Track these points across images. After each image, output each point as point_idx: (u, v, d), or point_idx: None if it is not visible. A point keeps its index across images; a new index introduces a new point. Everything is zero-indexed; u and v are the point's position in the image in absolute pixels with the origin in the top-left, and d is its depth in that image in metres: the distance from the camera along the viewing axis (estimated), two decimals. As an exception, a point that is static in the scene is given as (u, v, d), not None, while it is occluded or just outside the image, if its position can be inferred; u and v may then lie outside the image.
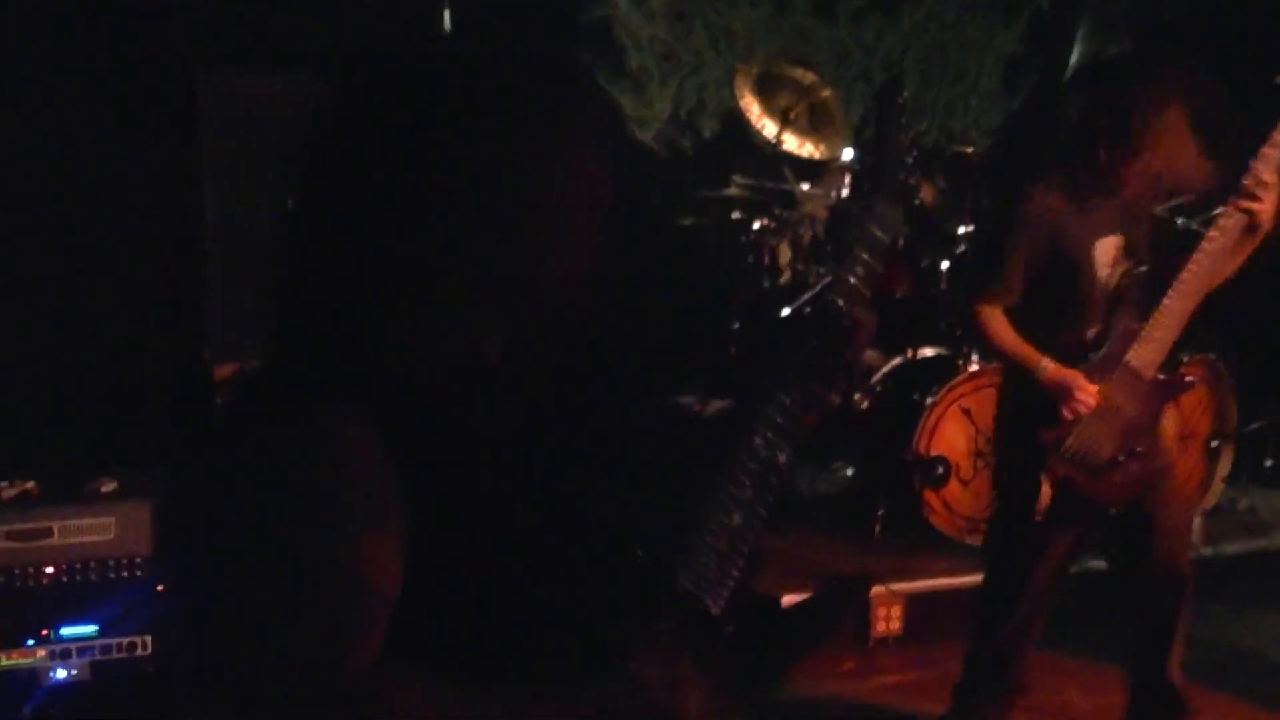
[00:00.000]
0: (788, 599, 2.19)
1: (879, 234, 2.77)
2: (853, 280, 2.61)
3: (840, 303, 2.21)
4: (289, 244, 1.58)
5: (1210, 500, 5.91)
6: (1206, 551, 5.61)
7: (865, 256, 2.69)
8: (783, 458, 2.40)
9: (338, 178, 1.55)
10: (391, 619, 1.50)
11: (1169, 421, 5.00)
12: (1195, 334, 5.45)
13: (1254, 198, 3.54)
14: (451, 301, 1.53)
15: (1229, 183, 3.57)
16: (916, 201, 5.98)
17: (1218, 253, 3.59)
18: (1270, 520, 6.14)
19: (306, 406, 1.51)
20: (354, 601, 1.49)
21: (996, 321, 3.76)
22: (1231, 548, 5.78)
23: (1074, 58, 6.83)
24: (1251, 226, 3.59)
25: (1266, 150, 3.55)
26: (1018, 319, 3.76)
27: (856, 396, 5.61)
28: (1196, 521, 5.79)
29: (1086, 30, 6.89)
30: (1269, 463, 6.40)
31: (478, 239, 1.52)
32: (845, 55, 7.37)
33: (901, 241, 5.61)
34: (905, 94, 2.88)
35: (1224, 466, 5.94)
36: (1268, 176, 3.55)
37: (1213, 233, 3.60)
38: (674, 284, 6.22)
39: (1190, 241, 3.65)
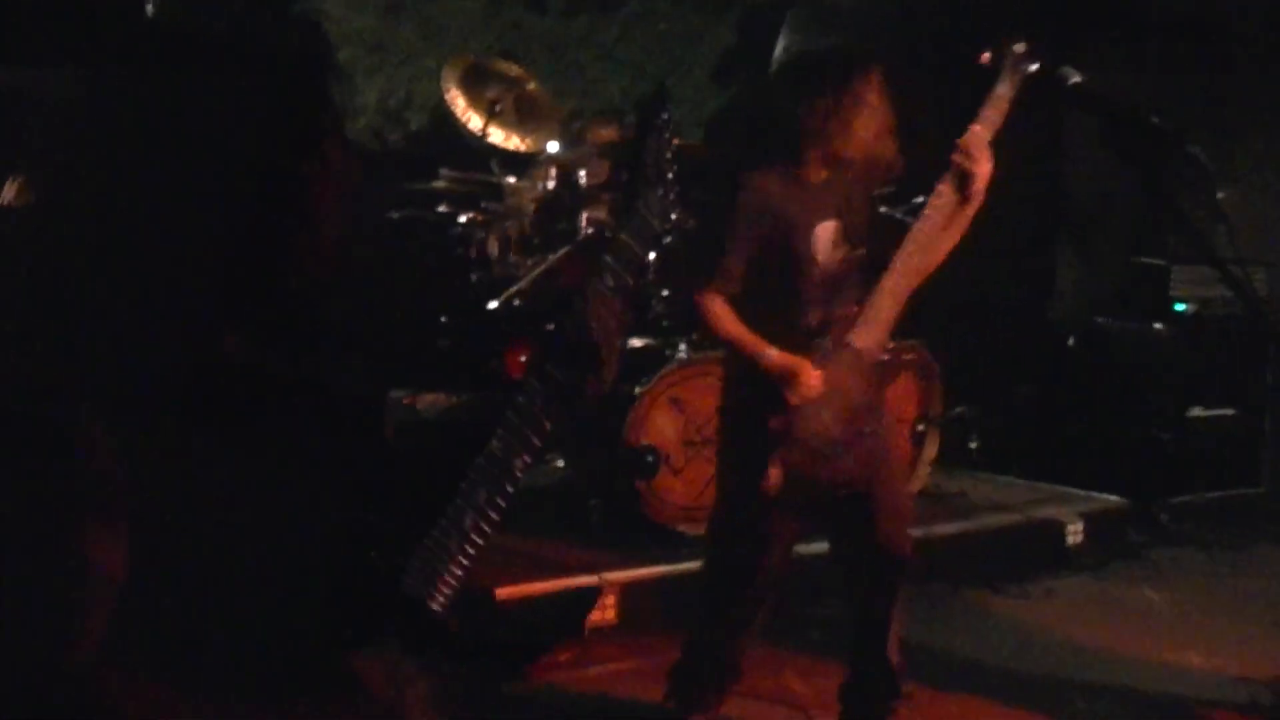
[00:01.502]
0: (506, 592, 2.27)
1: (635, 246, 2.96)
2: (605, 289, 2.78)
3: (589, 313, 2.34)
4: (21, 246, 1.63)
5: (917, 484, 6.28)
6: (916, 534, 5.97)
7: (618, 269, 2.87)
8: (521, 461, 2.52)
9: (71, 175, 1.60)
10: (119, 616, 1.57)
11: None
12: (900, 321, 5.83)
13: (969, 159, 3.76)
14: (186, 300, 1.60)
15: (933, 172, 3.84)
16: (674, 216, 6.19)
17: (932, 231, 3.80)
18: (979, 502, 6.58)
19: (36, 402, 1.57)
20: (77, 584, 1.55)
21: (720, 310, 3.91)
22: (941, 530, 6.14)
23: (779, 51, 7.18)
24: (964, 199, 3.82)
25: (979, 122, 3.78)
26: (741, 307, 3.92)
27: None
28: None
29: (794, 23, 7.25)
30: (975, 446, 6.87)
31: (214, 236, 1.59)
32: (557, 48, 7.58)
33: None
34: (669, 110, 3.07)
35: (930, 450, 6.33)
36: (978, 150, 3.77)
37: (928, 210, 3.80)
38: (382, 277, 6.31)
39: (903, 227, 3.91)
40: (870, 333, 3.87)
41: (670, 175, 4.01)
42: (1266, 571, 6.58)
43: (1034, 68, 3.78)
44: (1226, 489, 7.45)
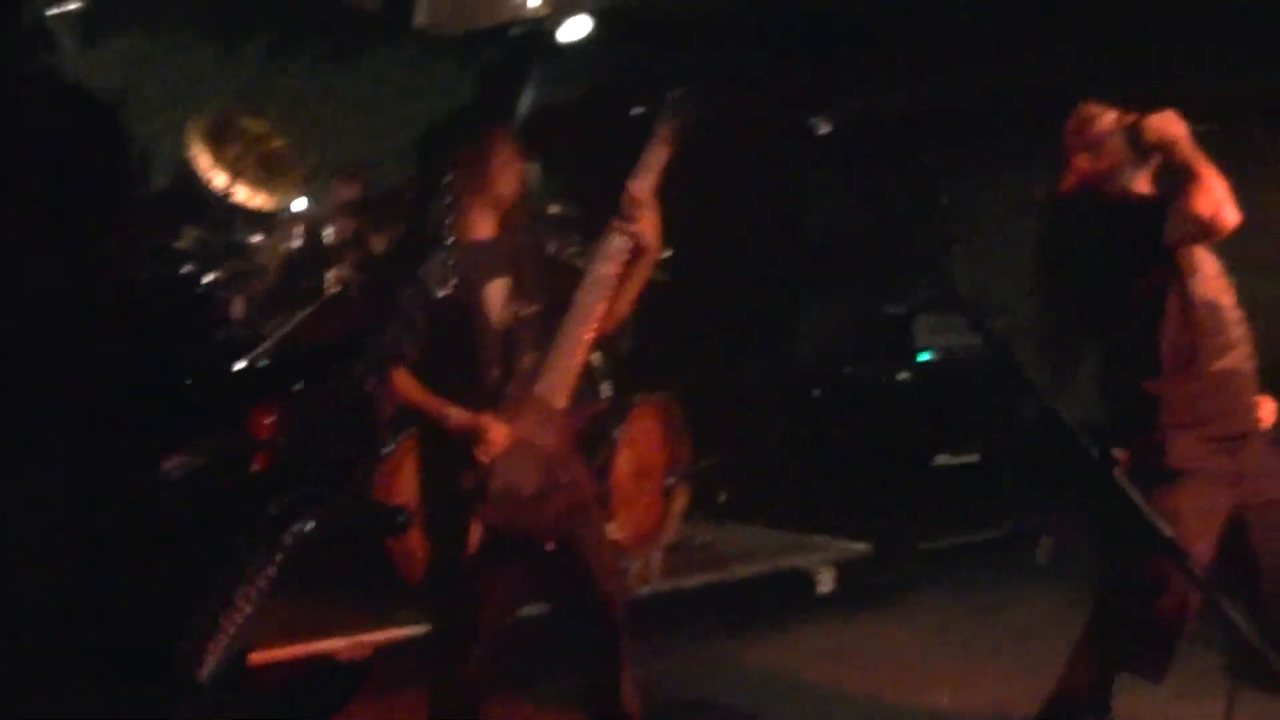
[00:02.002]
0: (261, 657, 2.30)
1: (415, 314, 3.01)
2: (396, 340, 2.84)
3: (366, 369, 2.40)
4: None
5: (667, 536, 6.44)
6: (666, 586, 6.15)
7: (402, 336, 2.93)
8: (303, 528, 2.55)
9: None
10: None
11: (622, 459, 5.47)
12: (647, 375, 6.02)
13: (631, 218, 3.97)
14: None
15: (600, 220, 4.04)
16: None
17: (608, 278, 3.98)
18: (728, 553, 6.74)
19: None
20: None
21: (401, 379, 4.04)
22: (691, 581, 6.31)
23: (524, 107, 7.35)
24: (638, 249, 4.02)
25: (639, 176, 4.00)
26: (425, 369, 4.04)
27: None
28: (656, 557, 6.33)
29: (538, 77, 7.43)
30: (723, 497, 7.07)
31: None
32: (301, 102, 7.60)
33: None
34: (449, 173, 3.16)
35: (679, 502, 6.50)
36: (642, 197, 3.99)
37: (598, 260, 4.00)
38: (121, 340, 6.24)
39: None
40: (553, 382, 4.00)
41: (450, 239, 4.17)
42: (1013, 612, 6.83)
43: (691, 115, 4.03)
44: (972, 533, 7.73)
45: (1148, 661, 4.32)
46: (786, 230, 8.15)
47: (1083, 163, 4.26)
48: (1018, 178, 8.91)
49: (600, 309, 4.02)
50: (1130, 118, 4.21)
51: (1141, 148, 4.17)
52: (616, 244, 4.02)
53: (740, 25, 6.86)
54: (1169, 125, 4.11)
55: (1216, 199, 4.00)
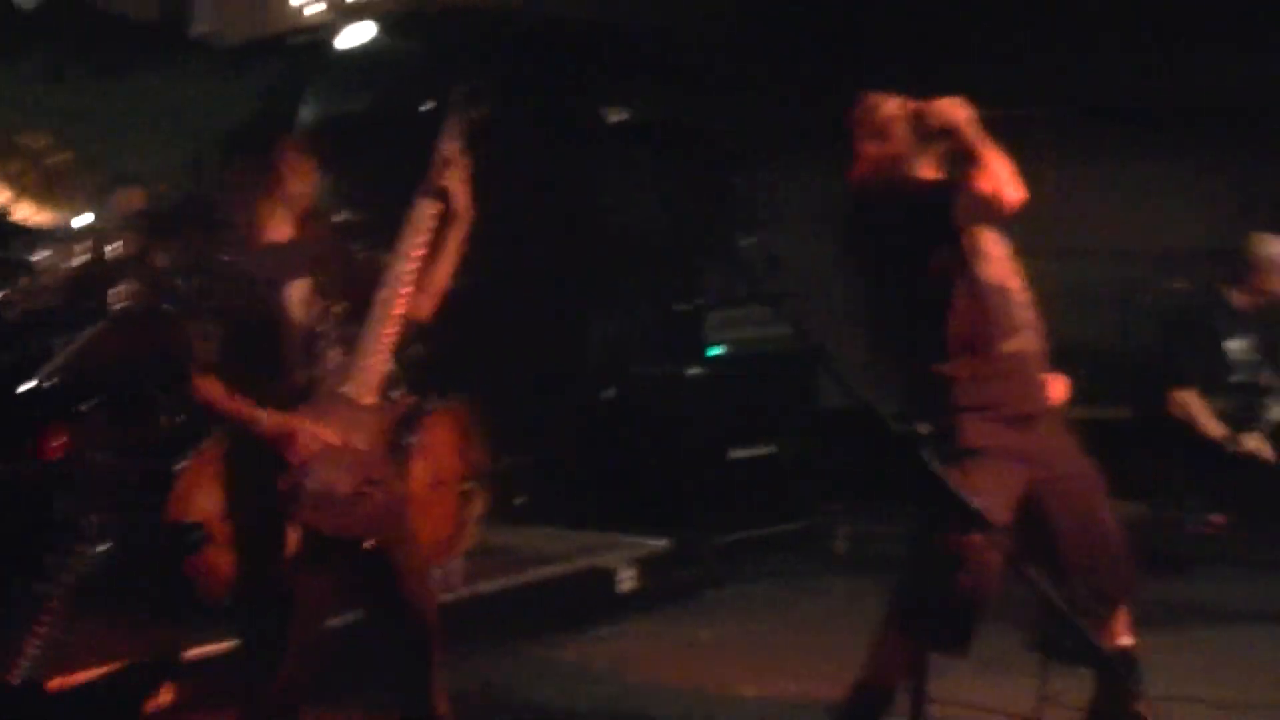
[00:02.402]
0: (60, 682, 2.35)
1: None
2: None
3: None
4: None
5: (466, 541, 6.55)
6: (466, 592, 6.25)
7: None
8: (94, 550, 2.61)
9: None
10: None
11: (417, 466, 5.58)
12: (438, 380, 6.13)
13: (440, 176, 4.10)
14: None
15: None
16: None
17: (413, 266, 4.08)
18: (528, 555, 6.84)
19: None
20: None
21: (208, 385, 4.06)
22: (492, 585, 6.40)
23: (310, 113, 7.42)
24: (447, 217, 4.13)
25: (445, 140, 4.13)
26: (231, 374, 4.06)
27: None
28: (456, 563, 6.44)
29: (315, 90, 7.50)
30: (520, 500, 7.20)
31: None
32: (82, 116, 7.55)
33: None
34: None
35: (476, 507, 6.61)
36: (450, 156, 4.11)
37: (400, 251, 4.08)
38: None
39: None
40: (362, 380, 4.08)
41: (247, 242, 4.23)
42: (813, 601, 7.08)
43: (477, 111, 4.17)
44: (771, 526, 7.95)
45: (952, 638, 4.48)
46: (576, 230, 8.30)
47: (870, 149, 4.45)
48: (818, 169, 9.27)
49: (401, 305, 4.09)
50: (914, 104, 4.42)
51: (927, 133, 4.38)
52: (426, 209, 4.11)
53: (522, 27, 7.02)
54: (952, 110, 4.32)
55: (998, 178, 4.21)
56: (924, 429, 2.66)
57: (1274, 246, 6.64)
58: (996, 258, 4.46)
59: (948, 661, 4.75)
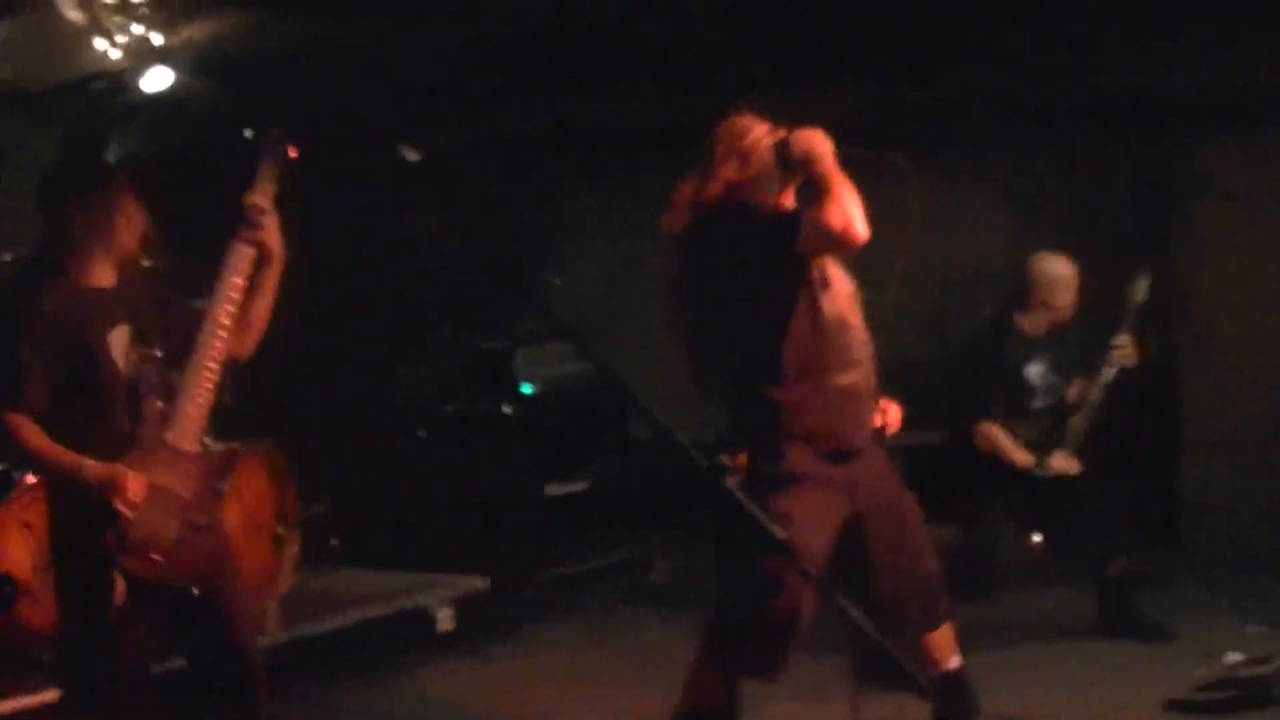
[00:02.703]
0: None
1: None
2: None
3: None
4: None
5: (282, 586, 6.54)
6: (284, 636, 6.25)
7: None
8: None
9: None
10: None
11: (231, 511, 5.58)
12: (248, 425, 6.13)
13: (255, 224, 4.15)
14: None
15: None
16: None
17: (227, 314, 4.11)
18: (345, 598, 6.81)
19: None
20: None
21: (29, 431, 4.01)
22: (309, 629, 6.38)
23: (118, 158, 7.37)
24: (262, 260, 4.18)
25: (256, 189, 4.19)
26: (54, 421, 4.02)
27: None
28: (272, 607, 6.43)
29: (120, 136, 7.46)
30: (335, 542, 7.21)
31: None
32: None
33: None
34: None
35: (292, 551, 6.61)
36: (263, 204, 4.18)
37: (221, 293, 4.13)
38: None
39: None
40: (183, 426, 4.09)
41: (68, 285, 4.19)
42: (634, 633, 7.17)
43: (289, 152, 4.24)
44: (589, 560, 8.07)
45: (763, 664, 4.63)
46: (383, 269, 8.35)
47: (729, 171, 4.55)
48: (628, 204, 9.47)
49: (220, 350, 4.13)
50: (780, 132, 4.54)
51: (788, 162, 4.50)
52: (242, 253, 4.16)
53: (319, 66, 7.07)
54: (814, 140, 4.45)
55: (847, 213, 4.32)
56: (727, 459, 2.75)
57: (1052, 265, 6.82)
58: (840, 291, 4.60)
59: (766, 689, 4.91)
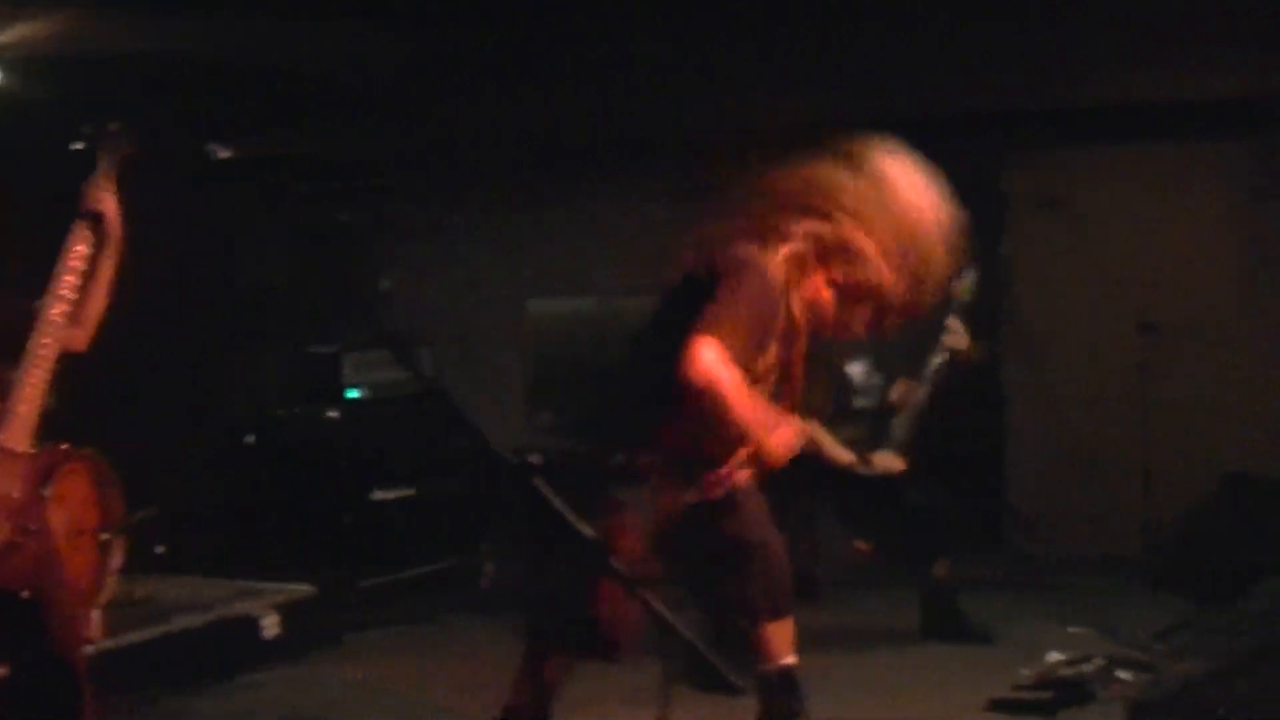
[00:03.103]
0: None
1: None
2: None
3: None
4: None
5: (106, 594, 6.50)
6: (109, 644, 6.22)
7: None
8: None
9: None
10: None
11: (54, 517, 5.56)
12: (72, 430, 6.11)
13: (95, 212, 4.21)
14: None
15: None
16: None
17: (64, 307, 4.18)
18: (170, 605, 6.81)
19: None
20: None
21: None
22: (135, 637, 6.36)
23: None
24: (100, 248, 4.24)
25: (94, 181, 4.25)
26: None
27: None
28: (95, 615, 6.39)
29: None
30: (161, 549, 7.19)
31: None
32: None
33: None
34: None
35: (116, 559, 6.57)
36: (102, 189, 4.24)
37: (50, 293, 4.17)
38: None
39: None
40: (15, 426, 4.16)
41: None
42: (460, 639, 7.34)
43: (126, 146, 4.32)
44: (415, 566, 8.15)
45: (586, 655, 4.76)
46: (213, 275, 8.35)
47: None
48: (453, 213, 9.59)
49: (54, 348, 4.18)
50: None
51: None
52: (78, 245, 4.20)
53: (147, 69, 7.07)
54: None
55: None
56: (536, 459, 2.81)
57: None
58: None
59: (588, 693, 5.16)
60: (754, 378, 4.52)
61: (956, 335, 6.92)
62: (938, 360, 6.90)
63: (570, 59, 7.33)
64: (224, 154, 4.04)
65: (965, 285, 6.94)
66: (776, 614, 4.99)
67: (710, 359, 4.36)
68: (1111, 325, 8.76)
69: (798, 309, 4.65)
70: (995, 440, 9.07)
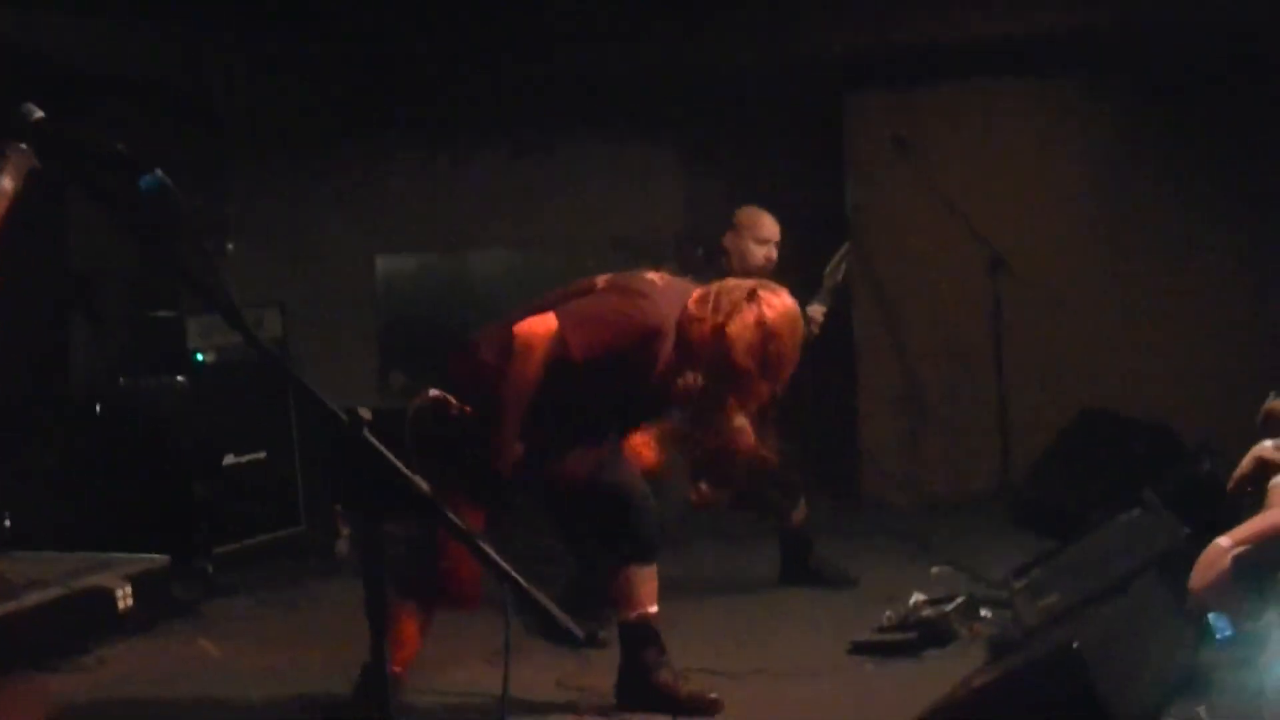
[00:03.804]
0: None
1: None
2: None
3: None
4: None
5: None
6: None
7: None
8: None
9: None
10: None
11: None
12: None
13: None
14: None
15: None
16: None
17: None
18: (18, 581, 6.77)
19: None
20: None
21: None
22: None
23: None
24: None
25: None
26: None
27: None
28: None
29: None
30: (7, 523, 7.25)
31: None
32: None
33: None
34: None
35: (-39, 535, 6.65)
36: None
37: None
38: None
39: None
40: None
41: None
42: (317, 606, 7.48)
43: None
44: (269, 532, 8.28)
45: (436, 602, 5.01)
46: (48, 244, 8.36)
47: None
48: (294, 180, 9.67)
49: None
50: None
51: None
52: None
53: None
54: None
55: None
56: (365, 412, 2.93)
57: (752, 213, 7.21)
58: None
59: (453, 652, 5.34)
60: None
61: (816, 324, 7.16)
62: None
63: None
64: (36, 115, 4.11)
65: (839, 268, 7.33)
66: (642, 560, 5.28)
67: (544, 332, 4.82)
68: (962, 268, 9.01)
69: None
70: (849, 391, 9.30)
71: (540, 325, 4.88)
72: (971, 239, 8.76)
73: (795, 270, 6.97)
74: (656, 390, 5.10)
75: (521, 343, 4.86)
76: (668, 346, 5.02)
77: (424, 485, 2.77)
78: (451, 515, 2.77)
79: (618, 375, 5.01)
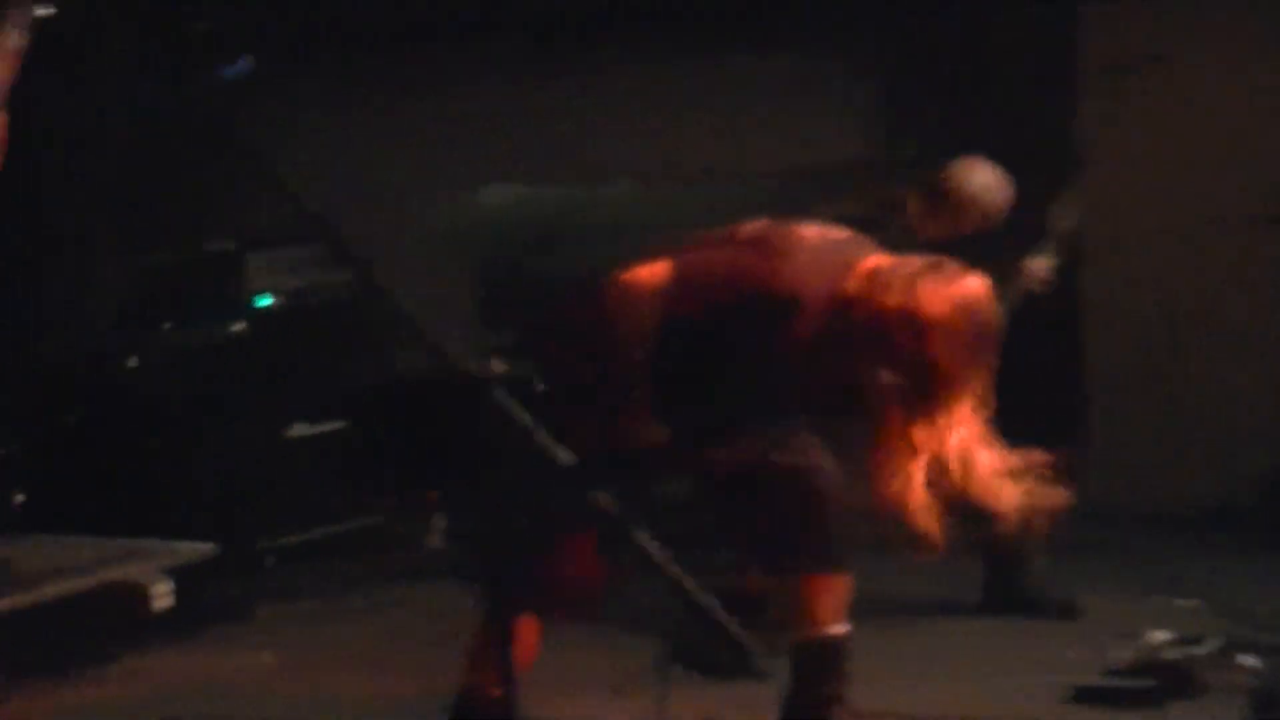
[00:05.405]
0: None
1: None
2: None
3: None
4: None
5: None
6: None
7: None
8: None
9: None
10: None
11: None
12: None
13: None
14: None
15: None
16: None
17: None
18: (34, 569, 6.68)
19: None
20: None
21: None
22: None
23: None
24: None
25: None
26: None
27: None
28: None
29: None
30: (20, 500, 7.08)
31: None
32: None
33: None
34: None
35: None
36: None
37: None
38: None
39: None
40: None
41: None
42: (400, 610, 7.33)
43: (42, 10, 4.16)
44: (344, 520, 8.10)
45: (542, 603, 4.77)
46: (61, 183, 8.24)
47: None
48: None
49: None
50: None
51: None
52: None
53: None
54: None
55: None
56: (499, 367, 2.66)
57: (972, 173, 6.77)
58: None
59: (566, 679, 5.24)
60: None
61: (1039, 270, 6.92)
62: (1012, 292, 6.83)
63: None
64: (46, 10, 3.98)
65: (1065, 211, 7.06)
66: (830, 567, 5.04)
67: (648, 280, 4.83)
68: (1226, 215, 8.64)
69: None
70: (1075, 371, 8.96)
71: (645, 273, 4.87)
72: (1238, 178, 8.44)
73: (1015, 215, 6.71)
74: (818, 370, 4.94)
75: (617, 296, 4.86)
76: (807, 319, 4.84)
77: (565, 456, 2.63)
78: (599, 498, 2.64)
79: (738, 344, 4.90)
